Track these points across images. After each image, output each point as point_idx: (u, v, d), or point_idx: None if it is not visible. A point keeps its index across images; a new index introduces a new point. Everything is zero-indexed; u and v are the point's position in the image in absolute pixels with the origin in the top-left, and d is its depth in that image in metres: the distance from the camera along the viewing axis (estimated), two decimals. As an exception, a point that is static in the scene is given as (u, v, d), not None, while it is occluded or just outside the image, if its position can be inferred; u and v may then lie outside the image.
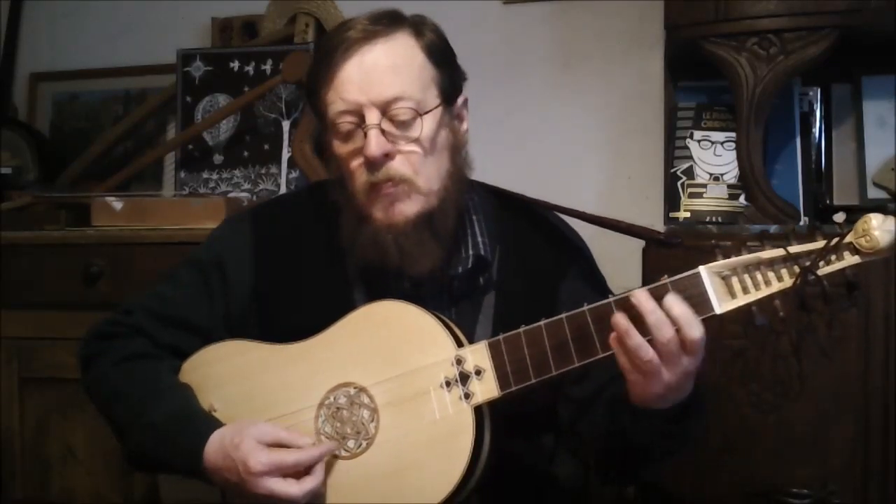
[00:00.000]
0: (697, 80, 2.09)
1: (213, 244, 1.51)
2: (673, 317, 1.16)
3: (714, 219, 1.97)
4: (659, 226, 2.07)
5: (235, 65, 2.50)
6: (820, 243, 1.18)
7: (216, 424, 1.33)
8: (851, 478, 1.68)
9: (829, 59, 1.84)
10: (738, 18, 1.84)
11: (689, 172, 2.02)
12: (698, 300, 1.19)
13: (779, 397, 1.71)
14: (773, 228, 1.82)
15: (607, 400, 1.34)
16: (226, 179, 2.48)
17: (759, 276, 1.20)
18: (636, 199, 2.33)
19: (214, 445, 1.29)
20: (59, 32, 2.82)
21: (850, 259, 1.17)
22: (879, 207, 1.94)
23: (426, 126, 1.34)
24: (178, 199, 2.35)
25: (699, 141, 2.04)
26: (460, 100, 1.43)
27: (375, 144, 1.31)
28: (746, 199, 1.93)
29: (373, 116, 1.31)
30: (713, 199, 2.00)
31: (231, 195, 2.40)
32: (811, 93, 2.05)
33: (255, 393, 1.35)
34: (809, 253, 1.18)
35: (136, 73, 2.72)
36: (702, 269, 1.20)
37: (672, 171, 2.05)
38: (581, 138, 2.39)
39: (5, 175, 2.59)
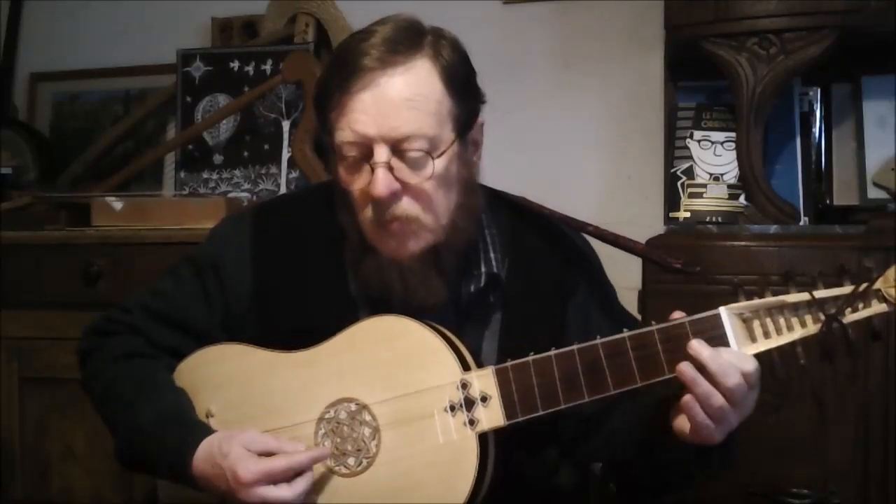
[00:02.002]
0: (697, 80, 2.09)
1: (211, 244, 1.49)
2: (729, 362, 1.15)
3: (714, 219, 1.97)
4: (659, 226, 2.07)
5: (235, 65, 2.50)
6: (847, 289, 1.14)
7: (205, 431, 1.30)
8: (851, 478, 1.68)
9: (829, 59, 1.84)
10: (738, 18, 1.84)
11: (689, 172, 2.02)
12: (717, 343, 1.16)
13: (779, 398, 1.71)
14: (773, 228, 1.82)
15: (633, 433, 1.31)
16: (226, 179, 2.48)
17: (781, 321, 1.16)
18: (636, 199, 2.33)
19: (203, 453, 1.27)
20: (59, 32, 2.83)
21: (877, 307, 1.13)
22: (879, 207, 1.94)
23: (438, 166, 1.27)
24: (178, 199, 2.35)
25: (699, 141, 2.04)
26: (476, 125, 1.36)
27: (383, 184, 1.24)
28: (746, 199, 1.93)
29: (382, 153, 1.25)
30: (713, 199, 1.99)
31: (231, 195, 2.40)
32: (811, 93, 2.05)
33: (253, 399, 1.33)
34: (835, 299, 1.14)
35: (136, 73, 2.72)
36: (722, 311, 1.17)
37: (672, 171, 2.05)
38: (581, 138, 2.39)
39: (5, 175, 2.59)
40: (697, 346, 1.16)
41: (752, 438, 1.70)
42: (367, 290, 1.35)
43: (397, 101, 1.25)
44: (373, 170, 1.26)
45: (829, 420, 1.69)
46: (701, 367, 1.15)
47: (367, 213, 1.30)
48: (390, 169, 1.26)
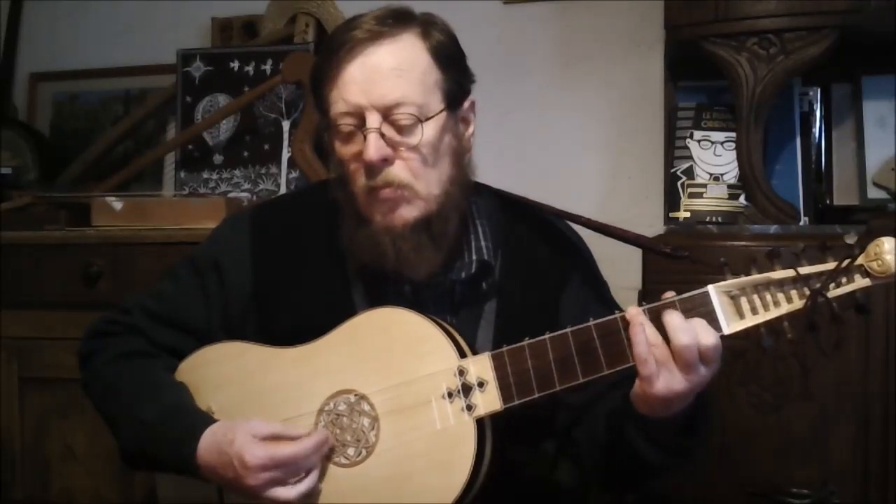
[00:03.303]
0: (697, 80, 2.09)
1: (211, 244, 1.50)
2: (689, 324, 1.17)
3: (714, 219, 1.97)
4: (659, 226, 2.07)
5: (235, 65, 2.50)
6: (830, 265, 1.17)
7: (209, 421, 1.32)
8: (851, 478, 1.68)
9: (829, 59, 1.84)
10: (738, 18, 1.85)
11: (689, 172, 2.03)
12: (706, 320, 1.19)
13: (779, 398, 1.71)
14: (773, 228, 1.82)
15: (608, 413, 1.33)
16: (226, 179, 2.48)
17: (768, 297, 1.19)
18: (636, 199, 2.33)
19: (207, 442, 1.29)
20: (59, 32, 2.83)
21: (860, 282, 1.16)
22: (879, 207, 1.94)
23: (427, 132, 1.31)
24: (178, 199, 2.35)
25: (699, 141, 2.04)
26: (466, 103, 1.40)
27: (374, 149, 1.28)
28: (746, 199, 1.93)
29: (373, 120, 1.29)
30: (713, 199, 2.00)
31: (231, 195, 2.40)
32: (811, 93, 2.05)
33: (253, 396, 1.34)
34: (820, 274, 1.17)
35: (136, 73, 2.72)
36: (710, 288, 1.20)
37: (672, 171, 2.05)
38: (581, 138, 2.39)
39: (5, 175, 2.59)
40: (668, 316, 1.19)
41: (752, 438, 1.71)
42: (361, 262, 1.36)
43: (385, 70, 1.30)
44: (365, 137, 1.29)
45: (830, 420, 1.69)
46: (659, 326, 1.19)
47: (360, 180, 1.33)
48: (381, 135, 1.30)
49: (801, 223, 1.92)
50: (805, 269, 1.17)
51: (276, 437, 1.27)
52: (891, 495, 1.66)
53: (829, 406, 1.69)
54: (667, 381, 1.18)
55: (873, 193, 2.01)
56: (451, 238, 1.38)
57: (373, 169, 1.30)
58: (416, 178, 1.32)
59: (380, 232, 1.33)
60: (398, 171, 1.31)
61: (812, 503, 1.69)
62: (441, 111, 1.33)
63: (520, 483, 1.38)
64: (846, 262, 1.16)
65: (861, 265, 1.16)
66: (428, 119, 1.31)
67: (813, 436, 1.70)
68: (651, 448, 1.26)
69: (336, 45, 1.33)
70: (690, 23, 1.90)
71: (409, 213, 1.33)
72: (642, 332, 1.18)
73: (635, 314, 1.20)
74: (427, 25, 1.35)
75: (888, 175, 1.99)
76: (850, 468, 1.68)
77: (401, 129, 1.31)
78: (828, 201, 2.07)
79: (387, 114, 1.30)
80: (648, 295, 1.78)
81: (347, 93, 1.31)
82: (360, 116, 1.30)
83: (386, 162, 1.30)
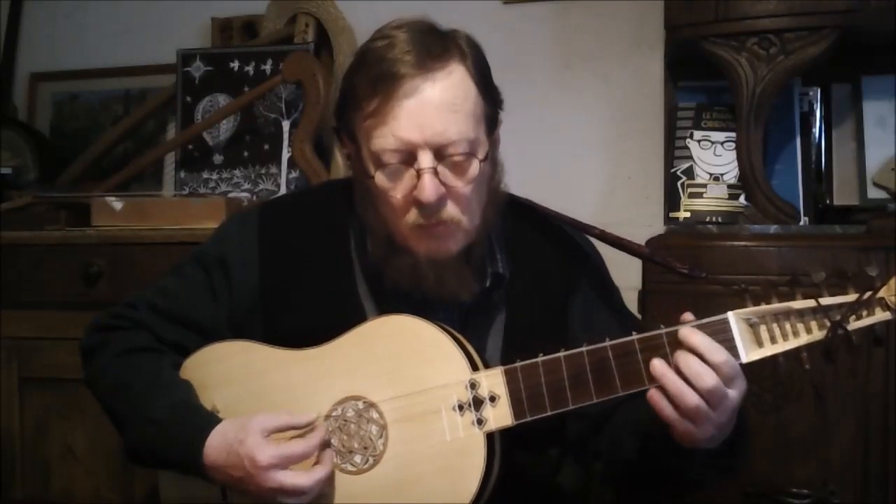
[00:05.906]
0: (697, 80, 2.09)
1: (218, 242, 1.49)
2: (700, 353, 1.16)
3: (714, 219, 1.97)
4: (659, 226, 2.07)
5: (235, 65, 2.50)
6: (851, 296, 1.16)
7: (216, 421, 1.31)
8: (851, 478, 1.68)
9: (829, 59, 1.84)
10: (738, 18, 1.85)
11: (689, 172, 2.02)
12: (724, 347, 1.18)
13: (779, 398, 1.71)
14: (773, 228, 1.82)
15: (632, 426, 1.31)
16: (226, 179, 2.48)
17: (787, 327, 1.18)
18: (636, 199, 2.33)
19: (216, 441, 1.28)
20: (59, 32, 2.83)
21: (881, 315, 1.16)
22: (879, 207, 1.94)
23: (479, 167, 1.30)
24: (178, 199, 2.35)
25: (699, 141, 2.04)
26: (499, 123, 1.40)
27: (432, 189, 1.26)
28: (746, 199, 1.93)
29: (427, 159, 1.26)
30: (713, 199, 2.00)
31: (231, 195, 2.40)
32: (811, 93, 2.05)
33: (259, 396, 1.33)
34: (840, 306, 1.16)
35: (136, 73, 2.72)
36: (730, 315, 1.19)
37: (672, 171, 2.05)
38: (581, 138, 2.39)
39: (5, 175, 2.59)
40: (684, 360, 1.17)
41: (753, 438, 1.70)
42: (397, 286, 1.35)
43: (440, 107, 1.27)
44: (418, 175, 1.27)
45: (830, 420, 1.69)
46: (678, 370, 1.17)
47: (410, 217, 1.30)
48: (436, 173, 1.27)
49: (801, 223, 1.92)
50: (826, 300, 1.17)
51: (285, 429, 1.26)
52: (891, 495, 1.66)
53: (829, 406, 1.69)
54: (707, 426, 1.17)
55: (873, 193, 2.01)
56: (479, 251, 1.38)
57: (427, 208, 1.28)
58: (463, 214, 1.31)
59: (422, 263, 1.32)
60: (451, 208, 1.30)
61: (812, 503, 1.69)
62: (489, 144, 1.33)
63: (523, 487, 1.37)
64: (867, 294, 1.15)
65: (882, 298, 1.15)
66: (482, 157, 1.30)
67: (813, 436, 1.70)
68: (702, 471, 1.25)
69: (380, 78, 1.27)
70: (690, 23, 1.90)
71: (455, 245, 1.32)
72: (674, 413, 1.17)
73: (662, 372, 1.18)
74: (461, 44, 1.32)
75: (888, 175, 1.99)
76: (850, 468, 1.68)
77: (454, 167, 1.28)
78: (828, 201, 2.07)
79: (440, 151, 1.27)
80: (648, 295, 1.80)
81: (399, 129, 1.26)
82: (410, 154, 1.27)
83: (441, 201, 1.28)
